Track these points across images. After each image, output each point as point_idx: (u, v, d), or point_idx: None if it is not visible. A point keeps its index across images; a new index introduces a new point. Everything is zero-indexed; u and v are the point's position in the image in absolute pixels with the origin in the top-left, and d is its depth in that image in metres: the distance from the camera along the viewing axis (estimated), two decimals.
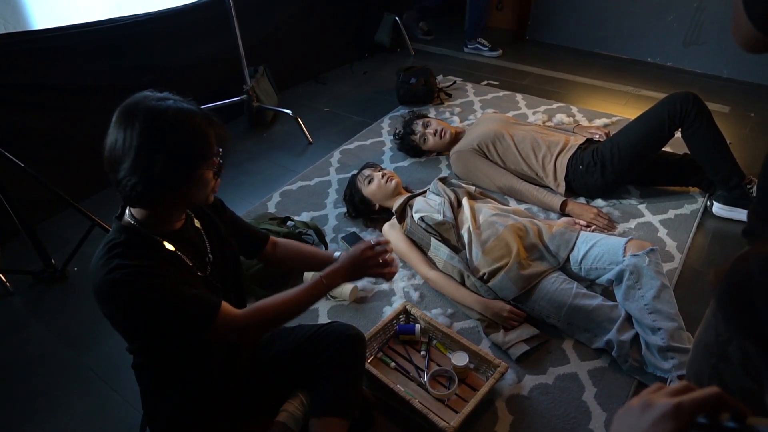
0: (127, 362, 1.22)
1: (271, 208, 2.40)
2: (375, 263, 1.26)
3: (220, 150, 1.08)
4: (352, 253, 1.23)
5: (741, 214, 2.13)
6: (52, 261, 2.08)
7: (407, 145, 2.66)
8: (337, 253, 1.44)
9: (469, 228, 1.89)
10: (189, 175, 1.03)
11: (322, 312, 1.87)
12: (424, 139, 2.59)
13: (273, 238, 1.47)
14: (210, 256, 1.20)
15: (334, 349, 1.32)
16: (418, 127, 2.61)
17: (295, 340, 1.39)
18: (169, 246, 1.09)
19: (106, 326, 1.09)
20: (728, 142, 2.08)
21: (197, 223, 1.21)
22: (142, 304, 1.00)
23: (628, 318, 1.61)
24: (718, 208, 2.18)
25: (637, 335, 1.57)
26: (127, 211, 1.09)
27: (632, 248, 1.67)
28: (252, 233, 1.42)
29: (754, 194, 2.07)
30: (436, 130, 2.57)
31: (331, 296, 1.91)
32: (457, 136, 2.60)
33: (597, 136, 2.49)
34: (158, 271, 1.03)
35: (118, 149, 0.99)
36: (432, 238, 1.90)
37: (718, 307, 0.71)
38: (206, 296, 1.08)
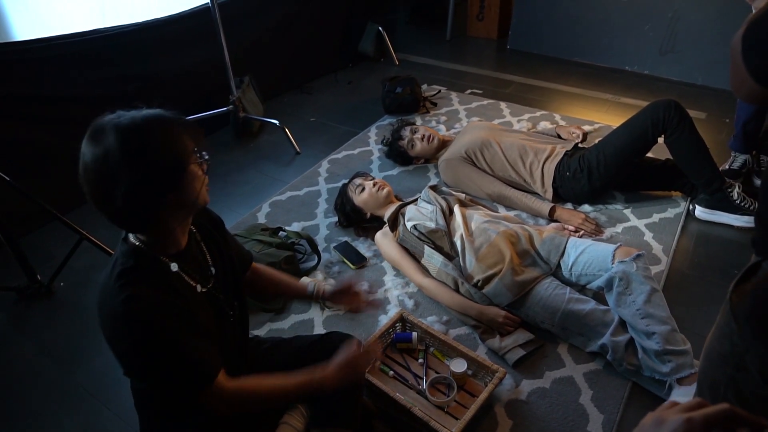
0: (118, 377, 1.21)
1: (261, 219, 2.38)
2: (366, 363, 1.27)
3: (201, 151, 1.06)
4: (343, 361, 1.20)
5: (722, 217, 2.20)
6: (38, 276, 2.03)
7: (395, 151, 2.68)
8: (310, 285, 1.46)
9: (461, 235, 1.90)
10: (179, 177, 1.01)
11: (318, 322, 1.87)
12: (412, 145, 2.62)
13: (254, 262, 1.46)
14: (212, 269, 1.20)
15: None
16: (406, 132, 2.64)
17: (294, 350, 1.39)
18: (173, 266, 1.08)
19: (95, 342, 1.09)
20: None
21: (199, 237, 1.21)
22: (148, 346, 1.00)
23: (622, 322, 1.64)
24: (700, 212, 2.24)
25: (631, 339, 1.60)
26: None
27: (620, 255, 1.71)
28: (241, 253, 1.41)
29: (735, 198, 2.15)
30: (423, 135, 2.60)
31: (326, 306, 1.90)
32: (444, 144, 2.63)
33: (575, 134, 2.58)
34: (169, 309, 1.02)
35: (97, 178, 0.95)
36: (425, 246, 1.91)
37: (741, 322, 0.72)
38: (208, 361, 1.08)
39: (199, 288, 1.14)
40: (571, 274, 1.82)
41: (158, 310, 1.01)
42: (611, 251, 1.73)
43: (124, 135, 0.94)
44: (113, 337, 1.03)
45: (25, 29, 2.31)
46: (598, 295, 1.82)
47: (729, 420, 0.46)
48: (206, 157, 1.07)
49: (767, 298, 0.50)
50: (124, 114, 0.98)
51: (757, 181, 2.43)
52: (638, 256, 1.68)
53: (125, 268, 1.03)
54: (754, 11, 2.45)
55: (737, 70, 0.74)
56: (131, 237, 1.07)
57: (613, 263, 1.70)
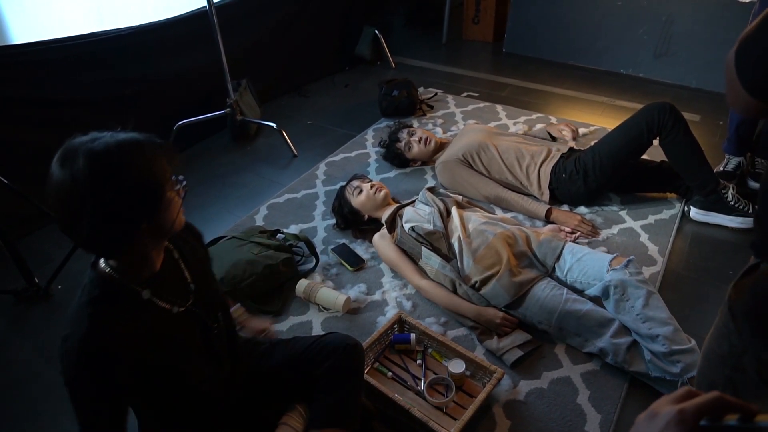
0: None
1: (259, 221, 2.39)
2: None
3: (178, 176, 1.02)
4: None
5: (717, 218, 2.22)
6: (35, 279, 2.03)
7: (392, 153, 2.69)
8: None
9: (459, 237, 1.92)
10: (154, 207, 0.97)
11: (316, 324, 1.87)
12: (409, 147, 2.63)
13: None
14: (191, 285, 1.17)
15: (333, 359, 1.32)
16: (403, 135, 2.66)
17: (292, 351, 1.39)
18: (145, 294, 1.05)
19: None
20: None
21: (176, 254, 1.17)
22: (89, 385, 0.97)
23: (624, 326, 1.65)
24: (695, 213, 2.26)
25: (633, 341, 1.60)
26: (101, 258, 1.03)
27: (613, 264, 1.72)
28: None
29: (729, 199, 2.17)
30: (420, 138, 2.61)
31: (324, 308, 1.91)
32: (441, 146, 2.64)
33: (564, 131, 2.62)
34: (129, 349, 0.99)
35: (64, 203, 0.91)
36: (423, 248, 1.92)
37: (740, 320, 0.73)
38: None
39: (175, 309, 1.11)
40: (566, 279, 1.84)
41: (115, 349, 0.97)
42: (607, 261, 1.74)
43: (96, 162, 0.90)
44: (66, 366, 0.98)
45: (23, 33, 2.31)
46: (596, 300, 1.84)
47: (720, 407, 0.47)
48: (184, 182, 1.04)
49: (766, 295, 0.51)
50: (97, 137, 0.94)
51: (753, 184, 2.45)
52: (629, 262, 1.69)
53: (92, 298, 0.99)
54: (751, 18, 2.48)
55: (732, 84, 0.76)
56: (101, 262, 1.03)
57: (608, 272, 1.71)
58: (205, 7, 2.61)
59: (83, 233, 0.93)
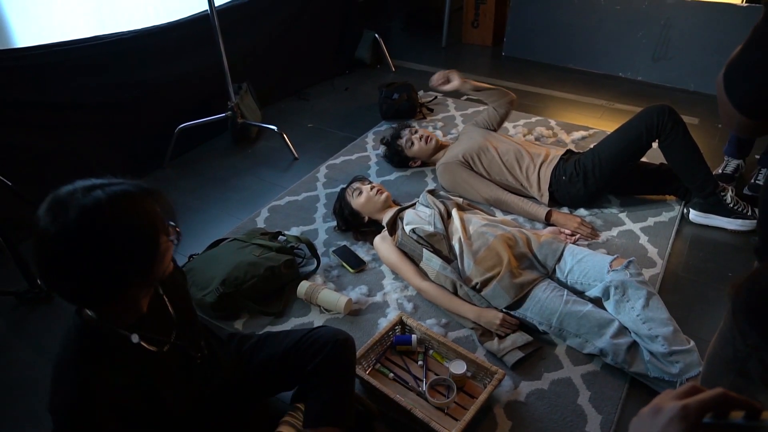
0: None
1: (260, 224, 2.40)
2: None
3: (170, 220, 1.00)
4: None
5: (716, 221, 2.23)
6: (38, 281, 2.03)
7: (393, 149, 2.71)
8: None
9: (460, 239, 1.93)
10: (148, 263, 0.94)
11: (317, 324, 1.87)
12: (411, 144, 2.65)
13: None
14: (174, 318, 1.17)
15: (323, 355, 1.31)
16: (406, 132, 2.68)
17: (282, 346, 1.37)
18: (134, 338, 1.03)
19: None
20: None
21: (161, 290, 1.16)
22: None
23: (624, 327, 1.66)
24: (694, 215, 2.27)
25: (633, 342, 1.61)
26: None
27: (614, 265, 1.73)
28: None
29: (728, 202, 2.18)
30: (422, 136, 2.64)
31: (326, 309, 1.92)
32: (440, 147, 2.66)
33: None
34: (122, 398, 0.99)
35: (50, 255, 0.88)
36: (424, 250, 1.93)
37: (739, 317, 0.74)
38: None
39: (163, 349, 1.11)
40: (566, 280, 1.85)
41: (108, 403, 0.97)
42: (608, 262, 1.75)
43: (88, 217, 0.87)
44: (59, 413, 0.98)
45: (25, 36, 2.32)
46: (596, 301, 1.84)
47: (723, 404, 0.47)
48: (177, 229, 1.01)
49: (761, 289, 0.52)
50: (87, 188, 0.90)
51: (747, 192, 2.45)
52: (629, 263, 1.70)
53: (81, 352, 0.98)
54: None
55: (725, 106, 0.78)
56: (87, 310, 1.00)
57: (608, 273, 1.72)
58: (207, 11, 2.63)
59: (70, 287, 0.91)
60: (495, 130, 2.62)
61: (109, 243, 0.89)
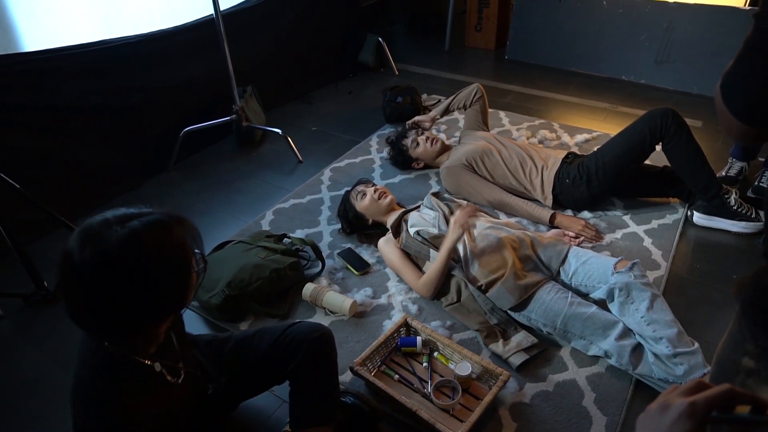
0: None
1: (265, 226, 2.41)
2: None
3: (198, 250, 0.99)
4: None
5: (720, 223, 2.23)
6: (44, 283, 2.05)
7: (397, 149, 2.72)
8: None
9: (464, 241, 1.93)
10: (184, 290, 0.94)
11: None
12: (416, 144, 2.66)
13: None
14: (176, 344, 1.18)
15: (301, 356, 1.29)
16: (412, 133, 2.71)
17: (260, 349, 1.35)
18: (157, 367, 1.04)
19: None
20: None
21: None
22: None
23: (628, 329, 1.66)
24: (698, 218, 2.27)
25: (638, 343, 1.61)
26: None
27: (618, 267, 1.74)
28: None
29: (732, 204, 2.18)
30: (428, 137, 2.66)
31: (331, 311, 1.93)
32: (445, 149, 2.67)
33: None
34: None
35: (85, 286, 0.87)
36: (431, 249, 1.94)
37: (745, 314, 0.74)
38: None
39: (180, 378, 1.11)
40: (571, 282, 1.85)
41: (148, 428, 0.98)
42: (612, 264, 1.76)
43: (129, 248, 0.86)
44: None
45: (33, 40, 2.35)
46: (600, 303, 1.85)
47: (730, 399, 0.48)
48: (205, 258, 1.00)
49: (766, 285, 0.53)
50: (119, 217, 0.89)
51: (751, 195, 2.46)
52: (633, 264, 1.71)
53: (112, 378, 0.96)
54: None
55: (724, 116, 0.79)
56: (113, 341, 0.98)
57: (613, 275, 1.72)
58: (212, 15, 2.65)
59: (106, 321, 0.89)
60: (487, 128, 2.71)
61: (149, 274, 0.88)
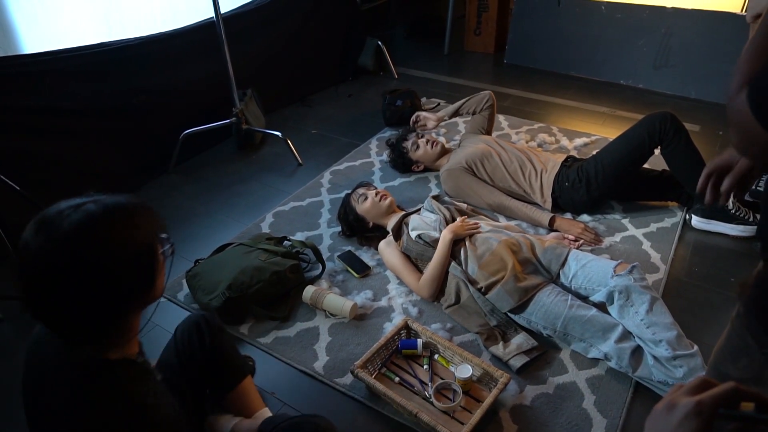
0: None
1: (265, 229, 2.41)
2: None
3: (163, 233, 0.95)
4: None
5: (718, 226, 2.24)
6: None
7: (398, 151, 2.73)
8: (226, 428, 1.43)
9: (464, 244, 1.94)
10: (150, 274, 0.91)
11: (323, 329, 1.89)
12: (416, 147, 2.68)
13: None
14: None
15: (197, 346, 1.38)
16: (412, 135, 2.72)
17: (173, 366, 1.40)
18: (139, 358, 1.01)
19: None
20: None
21: None
22: None
23: (628, 331, 1.67)
24: (696, 221, 2.28)
25: (637, 346, 1.62)
26: None
27: (618, 270, 1.75)
28: None
29: (730, 208, 2.19)
30: (428, 140, 2.67)
31: (331, 314, 1.93)
32: (445, 152, 2.68)
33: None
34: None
35: (55, 284, 0.83)
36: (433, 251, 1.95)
37: (748, 313, 0.74)
38: None
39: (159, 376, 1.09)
40: (570, 285, 1.86)
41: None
42: (611, 267, 1.76)
43: (84, 229, 0.82)
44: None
45: (33, 43, 2.35)
46: (600, 306, 1.85)
47: (737, 398, 0.48)
48: (171, 242, 0.97)
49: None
50: (75, 204, 0.85)
51: (747, 198, 2.46)
52: (633, 267, 1.72)
53: (110, 378, 0.91)
54: (752, 31, 2.51)
55: (746, 130, 0.67)
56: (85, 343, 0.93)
57: (612, 278, 1.73)
58: (212, 18, 2.66)
59: (71, 314, 0.84)
60: (489, 133, 2.71)
61: (109, 256, 0.84)
